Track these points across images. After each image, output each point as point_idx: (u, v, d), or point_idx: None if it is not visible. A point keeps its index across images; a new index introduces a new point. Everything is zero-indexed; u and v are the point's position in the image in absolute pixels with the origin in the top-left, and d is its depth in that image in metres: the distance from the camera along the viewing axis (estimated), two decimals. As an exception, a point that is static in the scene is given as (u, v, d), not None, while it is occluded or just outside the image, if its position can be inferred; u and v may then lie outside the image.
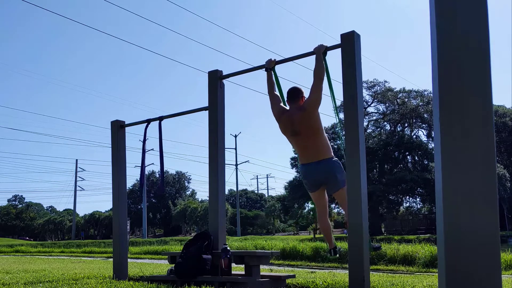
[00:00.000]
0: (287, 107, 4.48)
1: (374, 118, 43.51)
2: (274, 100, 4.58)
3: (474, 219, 2.13)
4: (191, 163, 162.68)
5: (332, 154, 4.33)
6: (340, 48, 4.09)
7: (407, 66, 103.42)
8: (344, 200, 4.31)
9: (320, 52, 4.23)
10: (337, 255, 4.73)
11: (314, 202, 4.64)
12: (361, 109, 4.00)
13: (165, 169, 67.42)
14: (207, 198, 6.29)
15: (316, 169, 4.28)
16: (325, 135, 4.35)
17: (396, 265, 10.33)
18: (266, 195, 77.72)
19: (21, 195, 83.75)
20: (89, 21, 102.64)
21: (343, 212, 4.99)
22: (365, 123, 41.37)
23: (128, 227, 13.99)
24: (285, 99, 4.50)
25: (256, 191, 79.12)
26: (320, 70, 4.20)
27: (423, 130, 42.86)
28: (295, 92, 4.41)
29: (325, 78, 4.29)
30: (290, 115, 4.33)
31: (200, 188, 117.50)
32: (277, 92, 4.66)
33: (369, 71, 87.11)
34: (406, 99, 41.66)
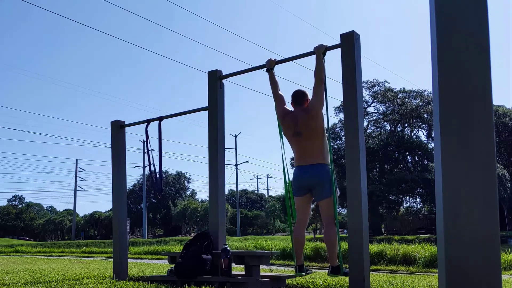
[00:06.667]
0: (291, 109, 4.42)
1: (374, 118, 43.48)
2: (279, 101, 4.52)
3: (474, 219, 2.12)
4: (191, 163, 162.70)
5: (329, 161, 4.21)
6: (340, 48, 4.09)
7: (407, 66, 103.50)
8: (325, 211, 4.17)
9: (320, 52, 4.20)
10: (303, 274, 4.36)
11: (296, 210, 4.39)
12: (361, 109, 4.00)
13: (165, 169, 67.66)
14: (207, 198, 6.28)
15: (308, 172, 4.18)
16: (327, 140, 4.24)
17: (396, 265, 10.32)
18: (266, 195, 77.70)
19: (21, 195, 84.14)
20: (89, 21, 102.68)
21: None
22: (365, 123, 41.34)
23: (128, 227, 13.99)
24: (290, 102, 4.43)
25: (256, 191, 79.09)
26: (320, 71, 4.17)
27: (423, 130, 42.85)
28: (299, 96, 4.35)
29: None
30: (294, 116, 4.27)
31: (200, 188, 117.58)
32: (281, 92, 4.59)
33: (369, 71, 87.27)
34: (406, 99, 41.64)
